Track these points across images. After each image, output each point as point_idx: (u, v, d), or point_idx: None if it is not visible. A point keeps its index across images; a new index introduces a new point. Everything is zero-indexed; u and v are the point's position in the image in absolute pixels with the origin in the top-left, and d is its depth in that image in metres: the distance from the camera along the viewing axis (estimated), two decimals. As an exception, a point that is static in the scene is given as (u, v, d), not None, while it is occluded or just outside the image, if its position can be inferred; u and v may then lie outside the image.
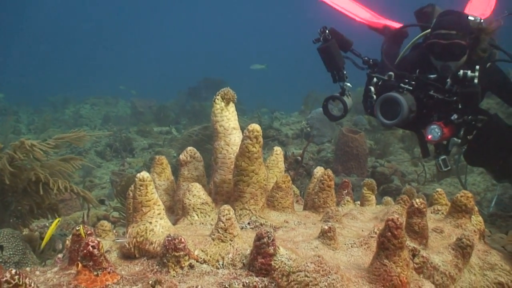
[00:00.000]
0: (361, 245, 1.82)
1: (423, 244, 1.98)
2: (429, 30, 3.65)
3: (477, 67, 3.33)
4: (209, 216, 2.08)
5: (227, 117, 2.21)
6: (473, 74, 3.32)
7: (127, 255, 1.83)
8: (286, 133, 10.91)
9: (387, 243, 1.52)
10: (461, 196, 2.26)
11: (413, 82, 3.40)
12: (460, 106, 3.44)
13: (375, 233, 1.87)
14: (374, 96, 3.61)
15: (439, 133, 3.40)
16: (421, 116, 3.47)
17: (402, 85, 3.41)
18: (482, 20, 3.53)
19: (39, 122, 16.06)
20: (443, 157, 3.65)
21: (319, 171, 2.59)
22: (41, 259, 4.08)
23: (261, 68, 17.48)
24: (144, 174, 1.83)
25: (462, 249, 1.96)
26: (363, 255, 1.76)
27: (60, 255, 2.30)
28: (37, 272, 1.77)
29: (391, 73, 3.60)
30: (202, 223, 2.02)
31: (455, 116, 3.44)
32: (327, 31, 3.66)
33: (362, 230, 2.06)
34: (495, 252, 2.19)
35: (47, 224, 4.85)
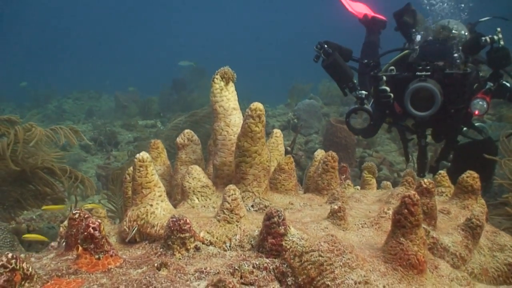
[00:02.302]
0: (372, 225, 1.75)
1: (432, 225, 1.92)
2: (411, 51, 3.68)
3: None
4: (210, 199, 1.99)
5: (227, 97, 2.12)
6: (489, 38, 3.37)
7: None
8: (273, 124, 10.84)
9: (403, 220, 1.45)
10: (467, 177, 2.21)
11: (428, 67, 3.36)
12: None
13: (385, 213, 1.81)
14: (392, 95, 3.56)
15: (484, 105, 3.39)
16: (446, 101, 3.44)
17: (418, 73, 3.36)
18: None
19: (23, 118, 15.76)
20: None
21: (319, 153, 2.52)
22: (29, 252, 3.97)
23: (189, 65, 17.53)
24: (143, 154, 1.74)
25: (472, 230, 1.91)
26: (375, 235, 1.70)
27: (53, 243, 2.21)
28: (32, 259, 1.68)
29: (392, 67, 3.57)
30: (204, 206, 1.94)
31: (490, 85, 3.44)
32: (325, 46, 3.61)
33: (370, 212, 1.99)
34: (503, 233, 2.15)
35: (34, 217, 4.73)
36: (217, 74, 2.12)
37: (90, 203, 6.16)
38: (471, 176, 2.22)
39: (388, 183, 2.80)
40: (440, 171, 2.51)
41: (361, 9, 4.63)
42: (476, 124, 3.90)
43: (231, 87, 2.15)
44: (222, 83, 2.12)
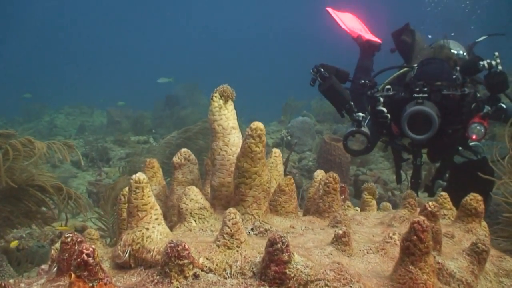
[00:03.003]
0: (378, 251, 1.69)
1: (437, 249, 1.86)
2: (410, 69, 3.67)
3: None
4: (207, 222, 1.92)
5: (226, 115, 2.06)
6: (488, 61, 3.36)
7: (121, 265, 1.67)
8: (267, 142, 10.79)
9: (412, 247, 1.39)
10: (471, 200, 2.15)
11: (425, 89, 3.33)
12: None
13: (391, 238, 1.74)
14: (389, 115, 3.53)
15: (482, 130, 3.38)
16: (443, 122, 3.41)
17: (415, 95, 3.33)
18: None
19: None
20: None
21: (319, 174, 2.47)
22: (18, 272, 3.88)
23: (168, 81, 17.64)
24: (140, 175, 1.67)
25: (478, 255, 1.85)
26: (381, 262, 1.63)
27: (43, 266, 2.12)
28: (22, 285, 1.60)
29: (389, 86, 3.55)
30: (202, 229, 1.87)
31: (487, 108, 3.43)
32: (322, 70, 3.58)
33: (373, 236, 1.93)
34: (509, 257, 2.09)
35: (24, 235, 4.63)
36: (216, 92, 2.06)
37: (65, 227, 6.07)
38: (474, 199, 2.16)
39: (388, 204, 2.75)
40: (441, 193, 2.45)
41: (354, 26, 4.59)
42: (471, 144, 3.88)
43: (230, 105, 2.09)
44: (221, 101, 2.06)
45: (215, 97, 2.06)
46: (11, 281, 1.61)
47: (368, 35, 4.53)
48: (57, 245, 2.08)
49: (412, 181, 3.90)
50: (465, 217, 2.17)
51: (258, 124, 1.85)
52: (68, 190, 4.12)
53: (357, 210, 2.62)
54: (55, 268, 1.64)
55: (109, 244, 4.39)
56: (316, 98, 16.60)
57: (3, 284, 1.19)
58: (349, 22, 4.55)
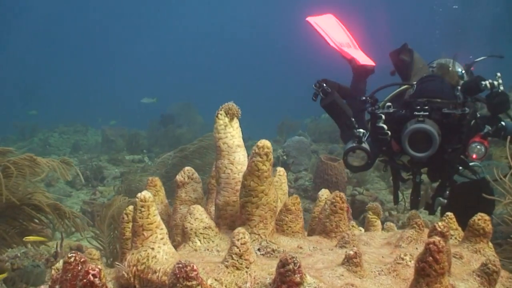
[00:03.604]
0: (389, 272, 1.65)
1: (447, 271, 1.82)
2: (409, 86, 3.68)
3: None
4: (213, 241, 1.88)
5: (231, 133, 2.03)
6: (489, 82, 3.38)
7: (125, 286, 1.62)
8: (263, 161, 10.75)
9: (428, 268, 1.36)
10: (479, 220, 2.12)
11: (426, 107, 3.32)
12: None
13: (402, 259, 1.70)
14: (389, 132, 3.52)
15: (482, 149, 3.37)
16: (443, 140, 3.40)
17: (416, 113, 3.32)
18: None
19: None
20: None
21: (324, 193, 2.43)
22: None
23: (152, 102, 17.77)
24: (145, 194, 1.64)
25: (488, 276, 1.81)
26: (393, 284, 1.59)
27: (43, 286, 2.07)
28: (23, 307, 1.55)
29: (389, 103, 3.55)
30: (207, 249, 1.82)
31: (488, 128, 3.43)
32: (324, 85, 3.58)
33: (382, 257, 1.89)
34: (519, 279, 2.05)
35: (19, 255, 4.54)
36: (221, 110, 2.04)
37: (75, 240, 5.99)
38: (482, 219, 2.13)
39: (392, 224, 2.71)
40: (447, 213, 2.42)
41: (342, 39, 4.53)
42: (471, 164, 3.87)
43: (236, 123, 2.06)
44: (227, 119, 2.03)
45: (220, 114, 2.03)
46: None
47: (360, 54, 4.50)
48: (58, 265, 2.03)
49: (412, 199, 3.87)
50: (473, 237, 2.14)
51: (265, 142, 1.82)
52: (65, 209, 4.07)
53: (361, 230, 2.58)
54: (57, 289, 1.59)
55: (106, 264, 4.32)
56: (311, 116, 16.66)
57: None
58: (335, 34, 4.49)
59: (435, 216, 5.02)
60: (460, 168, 3.82)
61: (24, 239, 3.87)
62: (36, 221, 4.04)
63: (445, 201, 3.75)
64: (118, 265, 1.68)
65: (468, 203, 3.39)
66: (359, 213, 6.90)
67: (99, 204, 8.54)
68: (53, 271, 1.98)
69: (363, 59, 4.34)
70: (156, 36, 63.56)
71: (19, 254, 4.67)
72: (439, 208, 3.91)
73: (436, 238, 1.36)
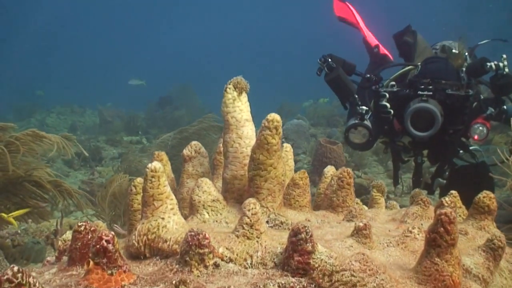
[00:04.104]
0: (398, 244, 1.66)
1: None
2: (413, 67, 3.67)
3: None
4: (220, 214, 1.89)
5: (240, 107, 2.03)
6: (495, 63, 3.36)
7: (135, 255, 1.63)
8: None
9: (439, 239, 1.37)
10: (484, 197, 2.13)
11: (430, 87, 3.31)
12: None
13: (410, 232, 1.72)
14: (392, 111, 3.52)
15: (484, 131, 3.37)
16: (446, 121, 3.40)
17: (420, 92, 3.32)
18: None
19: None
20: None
21: (329, 170, 2.44)
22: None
23: (141, 84, 17.73)
24: (156, 164, 1.64)
25: (494, 251, 1.82)
26: (402, 256, 1.60)
27: (49, 258, 2.08)
28: (33, 273, 1.55)
29: (393, 82, 3.54)
30: (216, 221, 1.83)
31: (491, 110, 3.42)
32: (329, 60, 3.56)
33: (389, 231, 1.90)
34: (523, 255, 2.07)
35: (19, 232, 4.56)
36: (230, 84, 2.03)
37: (74, 219, 5.99)
38: (487, 196, 2.15)
39: (395, 203, 2.73)
40: (451, 191, 2.44)
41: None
42: (471, 148, 3.88)
43: (244, 97, 2.06)
44: (235, 93, 2.03)
45: (229, 88, 2.03)
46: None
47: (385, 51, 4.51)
48: (65, 236, 2.03)
49: (414, 180, 3.89)
50: (478, 215, 2.15)
51: (274, 116, 1.82)
52: (66, 186, 4.07)
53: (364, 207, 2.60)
54: (67, 258, 1.60)
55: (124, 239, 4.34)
56: (310, 100, 16.64)
57: (20, 270, 1.14)
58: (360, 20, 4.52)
59: (434, 196, 5.05)
60: (460, 151, 3.83)
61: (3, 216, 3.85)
62: (38, 198, 4.03)
63: (444, 181, 3.76)
64: (116, 227, 1.69)
65: (467, 186, 3.41)
66: (357, 196, 6.93)
67: (97, 184, 8.55)
68: (59, 242, 1.99)
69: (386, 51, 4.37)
70: (157, 20, 63.22)
71: (19, 231, 4.69)
72: (438, 189, 3.93)
73: (448, 209, 1.36)
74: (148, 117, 16.25)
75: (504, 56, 3.39)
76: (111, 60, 55.90)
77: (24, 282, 1.15)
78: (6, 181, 3.79)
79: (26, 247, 4.42)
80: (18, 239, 4.50)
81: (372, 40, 4.45)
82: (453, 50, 3.84)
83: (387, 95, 3.53)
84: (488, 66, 3.38)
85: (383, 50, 4.40)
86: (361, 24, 4.47)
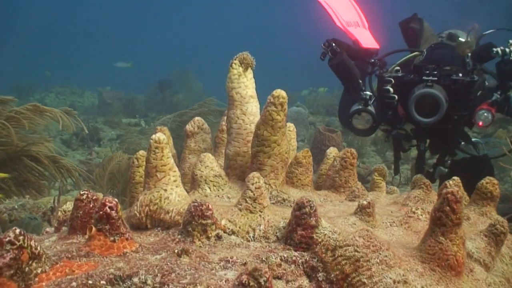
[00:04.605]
0: (401, 224, 1.65)
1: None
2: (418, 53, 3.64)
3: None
4: (222, 189, 1.88)
5: (245, 83, 2.00)
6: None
7: (136, 226, 1.62)
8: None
9: (444, 218, 1.36)
10: (487, 183, 2.13)
11: (435, 72, 3.29)
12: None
13: (413, 212, 1.71)
14: (396, 96, 3.48)
15: (489, 117, 3.34)
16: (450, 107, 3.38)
17: (425, 78, 3.29)
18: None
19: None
20: None
21: (332, 151, 2.43)
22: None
23: (126, 67, 17.65)
24: (160, 135, 1.62)
25: (496, 236, 1.82)
26: (405, 235, 1.60)
27: (48, 229, 2.07)
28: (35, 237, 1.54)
29: (398, 67, 3.51)
30: (218, 196, 1.82)
31: (496, 96, 3.39)
32: (333, 44, 3.51)
33: (392, 212, 1.89)
34: (524, 242, 2.07)
35: (16, 207, 4.54)
36: (235, 59, 2.00)
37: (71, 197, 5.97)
38: (491, 182, 2.14)
39: (395, 188, 2.72)
40: (454, 177, 2.43)
41: (350, 17, 4.48)
42: (473, 139, 3.86)
43: (250, 73, 2.03)
44: (241, 69, 2.00)
45: (235, 64, 2.00)
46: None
47: (366, 36, 4.43)
48: (65, 207, 2.02)
49: (417, 167, 3.86)
50: (480, 201, 2.14)
51: (280, 92, 1.80)
52: (64, 163, 4.05)
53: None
54: (68, 227, 1.59)
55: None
56: (309, 88, 16.60)
57: (22, 232, 1.13)
58: (343, 12, 4.41)
59: (435, 185, 5.04)
60: (462, 143, 3.81)
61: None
62: (35, 173, 4.02)
63: (446, 170, 3.75)
64: (111, 191, 1.68)
65: (468, 178, 3.39)
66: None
67: (95, 164, 8.53)
68: (59, 213, 1.98)
69: (367, 42, 4.27)
70: (160, 4, 62.95)
71: (16, 206, 4.67)
72: (438, 180, 3.92)
73: (454, 188, 1.36)
74: (148, 100, 16.20)
75: (511, 41, 3.35)
76: (111, 44, 55.69)
77: (25, 245, 1.13)
78: (5, 156, 3.77)
79: (23, 222, 4.40)
80: (15, 214, 4.48)
81: (349, 33, 4.39)
82: (460, 38, 3.81)
83: (392, 81, 3.50)
84: (494, 52, 3.35)
85: (361, 43, 4.32)
86: (336, 19, 4.37)
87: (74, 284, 1.10)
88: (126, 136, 10.17)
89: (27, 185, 3.95)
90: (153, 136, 1.61)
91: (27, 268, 1.12)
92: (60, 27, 57.49)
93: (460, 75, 3.31)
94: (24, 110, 3.52)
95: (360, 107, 3.49)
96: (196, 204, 1.37)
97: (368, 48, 4.16)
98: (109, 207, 1.28)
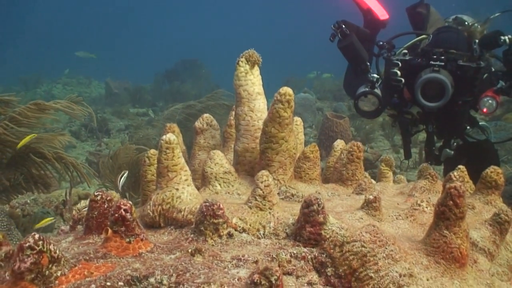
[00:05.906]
0: (407, 217, 1.70)
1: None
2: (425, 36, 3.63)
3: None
4: (232, 186, 1.93)
5: (252, 81, 2.04)
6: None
7: (150, 225, 1.67)
8: (268, 117, 10.80)
9: (448, 212, 1.40)
10: (491, 172, 2.15)
11: (442, 57, 3.30)
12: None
13: (419, 205, 1.75)
14: (403, 79, 3.50)
15: (494, 104, 3.36)
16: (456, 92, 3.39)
17: (432, 62, 3.31)
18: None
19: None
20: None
21: (339, 144, 2.47)
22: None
23: (90, 57, 17.70)
24: (170, 136, 1.67)
25: (500, 225, 1.85)
26: (410, 228, 1.64)
27: (63, 227, 2.13)
28: (53, 241, 1.60)
29: (405, 51, 3.52)
30: (228, 193, 1.87)
31: (502, 84, 3.41)
32: (343, 26, 3.52)
33: (398, 204, 1.94)
34: (528, 230, 2.10)
35: (28, 201, 4.63)
36: (242, 57, 2.04)
37: (82, 189, 6.06)
38: (495, 171, 2.17)
39: (402, 177, 2.76)
40: (459, 166, 2.46)
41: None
42: (480, 123, 3.87)
43: (256, 71, 2.07)
44: (247, 66, 2.04)
45: (241, 61, 2.04)
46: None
47: (377, 5, 4.42)
48: (79, 205, 2.08)
49: (426, 150, 3.88)
50: (485, 189, 2.17)
51: (287, 89, 1.84)
52: (69, 159, 4.10)
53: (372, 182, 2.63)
54: (84, 226, 1.64)
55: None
56: (314, 72, 16.58)
57: (41, 237, 1.18)
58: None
59: (440, 168, 5.06)
60: (468, 127, 3.83)
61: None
62: (41, 169, 4.08)
63: (452, 152, 3.76)
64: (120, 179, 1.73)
65: (472, 162, 3.41)
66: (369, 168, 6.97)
67: (105, 155, 8.62)
68: (74, 212, 2.03)
69: (379, 12, 4.27)
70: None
71: (28, 201, 4.76)
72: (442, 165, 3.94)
73: (457, 183, 1.39)
74: (155, 89, 16.24)
75: None
76: (116, 34, 55.70)
77: (45, 249, 1.19)
78: (14, 154, 3.83)
79: (36, 216, 4.49)
80: (28, 209, 4.58)
81: (363, 2, 4.37)
82: (466, 23, 3.81)
83: (399, 64, 3.52)
84: (502, 40, 3.36)
85: (377, 15, 4.31)
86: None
87: (93, 286, 1.15)
88: (134, 127, 10.23)
89: (35, 181, 4.02)
90: (164, 137, 1.66)
91: (47, 272, 1.17)
92: (68, 19, 57.62)
93: (467, 60, 3.33)
94: (27, 111, 3.57)
95: (367, 89, 3.51)
96: (207, 204, 1.42)
97: (382, 20, 4.17)
98: (124, 210, 1.33)
